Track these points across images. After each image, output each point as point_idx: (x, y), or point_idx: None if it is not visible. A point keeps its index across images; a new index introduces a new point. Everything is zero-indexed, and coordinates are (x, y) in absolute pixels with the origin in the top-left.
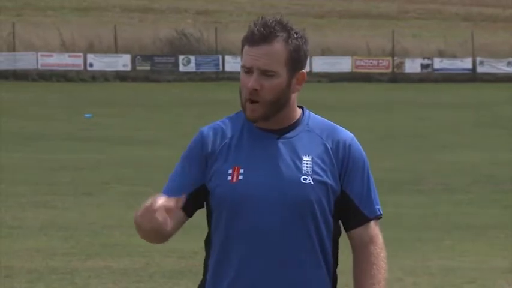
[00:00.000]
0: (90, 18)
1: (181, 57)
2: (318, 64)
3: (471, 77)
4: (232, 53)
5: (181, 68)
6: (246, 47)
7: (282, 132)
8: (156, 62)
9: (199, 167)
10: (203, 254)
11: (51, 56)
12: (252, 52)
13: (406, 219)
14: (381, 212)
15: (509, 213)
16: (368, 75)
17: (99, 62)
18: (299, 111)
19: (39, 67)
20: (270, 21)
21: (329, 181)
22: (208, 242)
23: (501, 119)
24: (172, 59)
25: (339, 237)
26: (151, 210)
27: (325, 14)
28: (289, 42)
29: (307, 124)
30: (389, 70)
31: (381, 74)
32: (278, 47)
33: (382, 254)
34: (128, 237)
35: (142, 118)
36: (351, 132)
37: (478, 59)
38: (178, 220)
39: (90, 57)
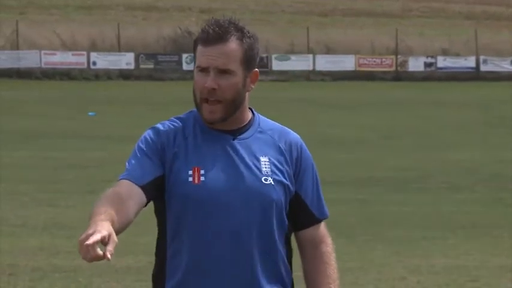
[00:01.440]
0: (93, 17)
1: (184, 55)
2: (322, 63)
3: (475, 75)
4: None
5: (185, 67)
6: (200, 48)
7: (236, 133)
8: (159, 60)
9: (157, 158)
10: None
11: (54, 54)
12: (208, 52)
13: (410, 217)
14: (328, 213)
15: (509, 212)
16: (371, 73)
17: (103, 61)
18: (250, 112)
19: (43, 65)
20: (223, 21)
21: (286, 181)
22: (163, 243)
23: (505, 117)
24: (175, 58)
25: (288, 236)
26: (85, 246)
27: (328, 12)
28: (244, 41)
29: (259, 125)
30: (393, 68)
31: (384, 72)
32: (233, 46)
33: (333, 254)
34: (131, 235)
35: (145, 116)
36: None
37: (482, 57)
38: (139, 206)
39: (94, 56)
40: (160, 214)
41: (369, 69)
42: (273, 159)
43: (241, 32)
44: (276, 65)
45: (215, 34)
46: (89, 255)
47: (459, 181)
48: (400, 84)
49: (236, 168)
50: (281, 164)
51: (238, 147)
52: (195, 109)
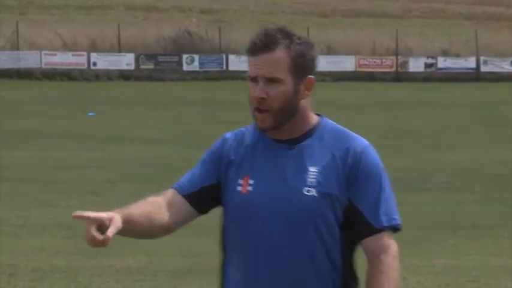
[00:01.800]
0: (93, 17)
1: (185, 56)
2: (322, 63)
3: (475, 76)
4: (236, 52)
5: (185, 67)
6: (249, 58)
7: (293, 142)
8: (159, 61)
9: (213, 167)
10: (207, 253)
11: (54, 54)
12: (255, 61)
13: (411, 218)
14: (394, 222)
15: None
16: (372, 74)
17: (103, 61)
18: (315, 118)
19: (43, 66)
20: (272, 30)
21: (334, 192)
22: (221, 246)
23: (505, 118)
24: (176, 58)
25: (352, 248)
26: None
27: (329, 13)
28: (291, 48)
29: (320, 133)
30: (393, 69)
31: (384, 73)
32: (280, 54)
33: (393, 264)
34: None
35: (146, 117)
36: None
37: (482, 58)
38: (182, 214)
39: (94, 56)
40: (220, 219)
41: (369, 70)
42: (323, 170)
43: (289, 40)
44: None
45: (261, 44)
46: (87, 236)
47: (459, 181)
48: (401, 85)
49: (282, 179)
50: (331, 174)
51: (290, 157)
52: None
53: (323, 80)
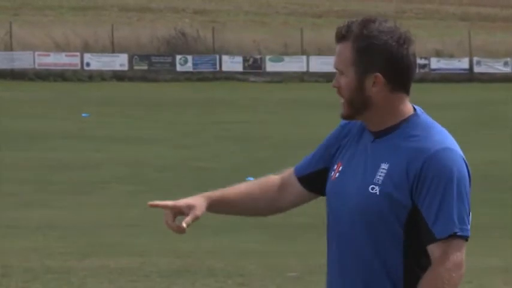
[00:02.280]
0: (87, 18)
1: (178, 56)
2: (315, 64)
3: (468, 77)
4: (229, 53)
5: (179, 68)
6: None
7: (378, 134)
8: (153, 61)
9: (325, 151)
10: (200, 253)
11: (48, 55)
12: (336, 53)
13: None
14: (455, 231)
15: (506, 212)
16: None
17: (96, 62)
18: (406, 114)
19: (36, 66)
20: (355, 20)
21: (396, 194)
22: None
23: (498, 119)
24: (169, 59)
25: (419, 257)
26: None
27: (322, 13)
28: (357, 41)
29: (404, 130)
30: None
31: None
32: (346, 46)
33: (445, 275)
34: (125, 236)
35: (139, 118)
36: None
37: (475, 59)
38: (294, 195)
39: (87, 57)
40: None
41: None
42: (392, 168)
43: (359, 31)
44: (270, 66)
45: (336, 34)
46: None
47: None
48: None
49: (359, 170)
50: (399, 175)
51: (372, 149)
52: None
53: (316, 81)
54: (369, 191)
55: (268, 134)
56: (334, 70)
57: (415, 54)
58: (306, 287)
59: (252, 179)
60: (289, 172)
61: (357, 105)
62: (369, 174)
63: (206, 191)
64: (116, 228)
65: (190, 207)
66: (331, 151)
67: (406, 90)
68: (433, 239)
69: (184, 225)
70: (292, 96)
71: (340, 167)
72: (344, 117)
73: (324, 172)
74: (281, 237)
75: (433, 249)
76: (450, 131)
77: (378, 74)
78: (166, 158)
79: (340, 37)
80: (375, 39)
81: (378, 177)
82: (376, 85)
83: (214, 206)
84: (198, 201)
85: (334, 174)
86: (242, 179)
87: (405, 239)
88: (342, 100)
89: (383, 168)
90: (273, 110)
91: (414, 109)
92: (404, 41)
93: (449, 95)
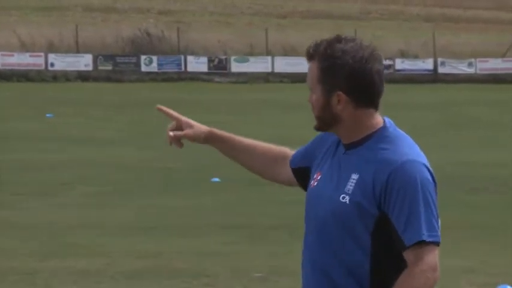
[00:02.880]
0: (51, 18)
1: (143, 57)
2: (280, 64)
3: (432, 77)
4: (194, 53)
5: (143, 68)
6: None
7: (348, 147)
8: (118, 62)
9: (310, 154)
10: (165, 254)
11: (12, 55)
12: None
13: None
14: (429, 237)
15: (472, 213)
16: None
17: (61, 62)
18: (375, 127)
19: (0, 67)
20: (325, 39)
21: (364, 203)
22: None
23: (463, 119)
24: (134, 59)
25: (386, 258)
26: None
27: (287, 14)
28: (321, 61)
29: (373, 142)
30: None
31: None
32: (313, 64)
33: (420, 277)
34: (89, 237)
35: (104, 118)
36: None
37: (440, 59)
38: (289, 177)
39: (52, 57)
40: None
41: None
42: (361, 179)
43: (323, 51)
44: (235, 67)
45: (306, 52)
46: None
47: None
48: None
49: (332, 180)
50: (367, 185)
51: (343, 160)
52: None
53: (281, 82)
54: (340, 200)
55: (233, 134)
56: (300, 71)
57: (381, 70)
58: None
59: (217, 180)
60: (290, 154)
61: (326, 121)
62: (341, 184)
63: (171, 191)
64: (80, 229)
65: (188, 125)
66: (316, 154)
67: (373, 105)
68: (404, 247)
69: (170, 133)
70: (257, 96)
71: (319, 176)
72: (316, 129)
73: (308, 171)
74: (247, 238)
75: (407, 256)
76: (415, 132)
77: (340, 93)
78: (130, 159)
79: (309, 56)
80: (338, 59)
81: (349, 187)
82: (340, 103)
83: (213, 140)
84: (198, 126)
85: (313, 182)
86: (207, 180)
87: (372, 246)
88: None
89: (353, 179)
90: (238, 111)
91: (384, 121)
92: (367, 60)
93: (413, 95)
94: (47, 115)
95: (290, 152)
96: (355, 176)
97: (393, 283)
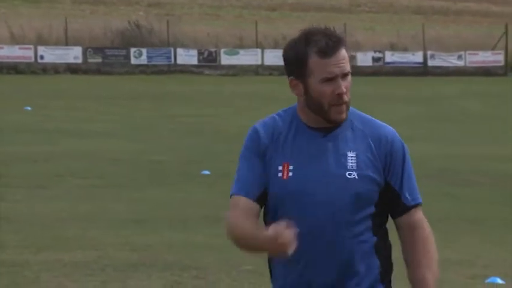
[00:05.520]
0: (40, 10)
1: (132, 49)
2: (270, 57)
3: (422, 70)
4: (184, 46)
5: (133, 61)
6: (322, 60)
7: (328, 130)
8: (107, 54)
9: (261, 163)
10: (155, 246)
11: (1, 48)
12: (334, 61)
13: None
14: (420, 200)
15: (462, 206)
16: None
17: (50, 55)
18: None
19: None
20: (325, 28)
21: (373, 174)
22: None
23: (452, 112)
24: (123, 52)
25: (384, 226)
26: (282, 244)
27: (277, 6)
28: (346, 46)
29: (351, 121)
30: None
31: None
32: (344, 50)
33: (430, 238)
34: (80, 230)
35: (94, 111)
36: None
37: (429, 52)
38: (258, 216)
39: (41, 50)
40: (264, 211)
41: None
42: (360, 155)
43: (344, 37)
44: (225, 59)
45: (333, 43)
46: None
47: None
48: None
49: (323, 164)
50: (369, 158)
51: (328, 144)
52: (294, 106)
53: (271, 74)
54: (347, 177)
55: (223, 127)
56: None
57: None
58: (260, 280)
59: (207, 172)
60: (244, 203)
61: (349, 105)
62: (340, 164)
63: (161, 184)
64: (70, 221)
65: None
66: (265, 159)
67: None
68: (408, 208)
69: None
70: (247, 89)
71: (290, 166)
72: (344, 119)
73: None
74: None
75: (408, 217)
76: (404, 124)
77: None
78: (120, 152)
79: (338, 44)
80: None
81: (351, 164)
82: None
83: None
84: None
85: (284, 173)
86: (197, 172)
87: (374, 217)
88: (344, 104)
89: (351, 156)
90: (228, 103)
91: None
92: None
93: (403, 88)
94: (26, 108)
95: (245, 216)
96: (352, 154)
97: (385, 252)
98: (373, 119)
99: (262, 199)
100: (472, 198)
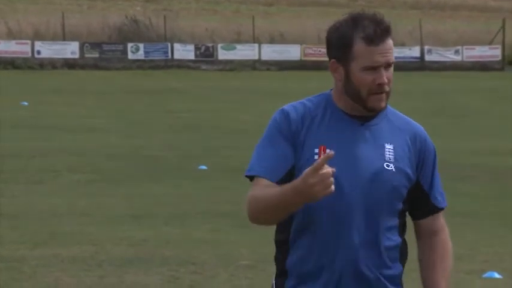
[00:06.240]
0: (38, 5)
1: (130, 44)
2: (267, 52)
3: (419, 65)
4: (181, 41)
5: (130, 56)
6: (368, 48)
7: (366, 119)
8: (104, 49)
9: (291, 147)
10: (152, 242)
11: None
12: (380, 50)
13: None
14: (446, 204)
15: (460, 201)
16: (317, 63)
17: (47, 50)
18: None
19: None
20: (376, 15)
21: (408, 170)
22: (287, 222)
23: (449, 107)
24: (121, 47)
25: (405, 230)
26: (326, 175)
27: (274, 1)
28: (391, 35)
29: (387, 114)
30: None
31: None
32: (390, 40)
33: (450, 243)
34: (77, 225)
35: (91, 106)
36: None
37: (426, 47)
38: None
39: (38, 45)
40: None
41: (315, 59)
42: (397, 148)
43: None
44: (222, 54)
45: (381, 31)
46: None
47: None
48: None
49: (360, 153)
50: (405, 152)
51: (366, 133)
52: (327, 92)
53: (268, 69)
54: (385, 168)
55: (221, 122)
56: (287, 59)
57: None
58: (258, 276)
59: (204, 167)
60: (265, 184)
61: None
62: (377, 154)
63: (158, 179)
64: (67, 217)
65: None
66: (295, 142)
67: None
68: (435, 210)
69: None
70: (244, 84)
71: (327, 150)
72: (383, 108)
73: (293, 168)
74: (233, 226)
75: (434, 220)
76: None
77: None
78: (117, 147)
79: (386, 32)
80: None
81: (389, 156)
82: None
83: None
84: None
85: (321, 156)
86: (195, 168)
87: (400, 215)
88: (384, 93)
89: (389, 148)
90: (225, 98)
91: None
92: None
93: (400, 83)
94: (22, 103)
95: (258, 191)
96: (389, 146)
97: (404, 258)
98: (403, 114)
99: (283, 182)
100: (469, 192)
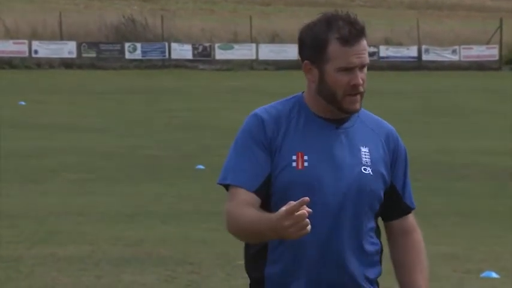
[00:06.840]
0: (35, 5)
1: (127, 44)
2: (265, 52)
3: (417, 65)
4: (178, 40)
5: (128, 56)
6: (343, 48)
7: (339, 122)
8: (102, 49)
9: (267, 155)
10: (149, 241)
11: None
12: (355, 50)
13: None
14: (414, 204)
15: (457, 200)
16: None
17: (44, 49)
18: None
19: None
20: (350, 15)
21: (384, 172)
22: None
23: (447, 106)
24: (118, 46)
25: (376, 225)
26: (302, 217)
27: (271, 1)
28: (366, 36)
29: (359, 115)
30: None
31: None
32: (365, 41)
33: (423, 243)
34: (73, 224)
35: (88, 106)
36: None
37: (424, 47)
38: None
39: (35, 44)
40: (264, 202)
41: None
42: (372, 150)
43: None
44: (219, 54)
45: (357, 31)
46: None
47: None
48: None
49: (338, 157)
50: (380, 154)
51: (341, 136)
52: (298, 95)
53: (266, 69)
54: (363, 172)
55: (218, 122)
56: (284, 58)
57: None
58: None
59: (201, 167)
60: (242, 195)
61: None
62: (354, 158)
63: (155, 178)
64: (64, 216)
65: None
66: (271, 148)
67: None
68: (407, 211)
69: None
70: (241, 84)
71: (305, 157)
72: (358, 110)
73: (270, 174)
74: None
75: (406, 221)
76: (399, 119)
77: None
78: (114, 146)
79: (361, 33)
80: None
81: (365, 159)
82: None
83: None
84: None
85: (299, 163)
86: (191, 167)
87: (376, 215)
88: (359, 94)
89: (365, 151)
90: (223, 98)
91: None
92: None
93: (398, 83)
94: (20, 102)
95: (247, 206)
96: (365, 149)
97: (381, 250)
98: (374, 115)
99: (260, 191)
100: (466, 192)
